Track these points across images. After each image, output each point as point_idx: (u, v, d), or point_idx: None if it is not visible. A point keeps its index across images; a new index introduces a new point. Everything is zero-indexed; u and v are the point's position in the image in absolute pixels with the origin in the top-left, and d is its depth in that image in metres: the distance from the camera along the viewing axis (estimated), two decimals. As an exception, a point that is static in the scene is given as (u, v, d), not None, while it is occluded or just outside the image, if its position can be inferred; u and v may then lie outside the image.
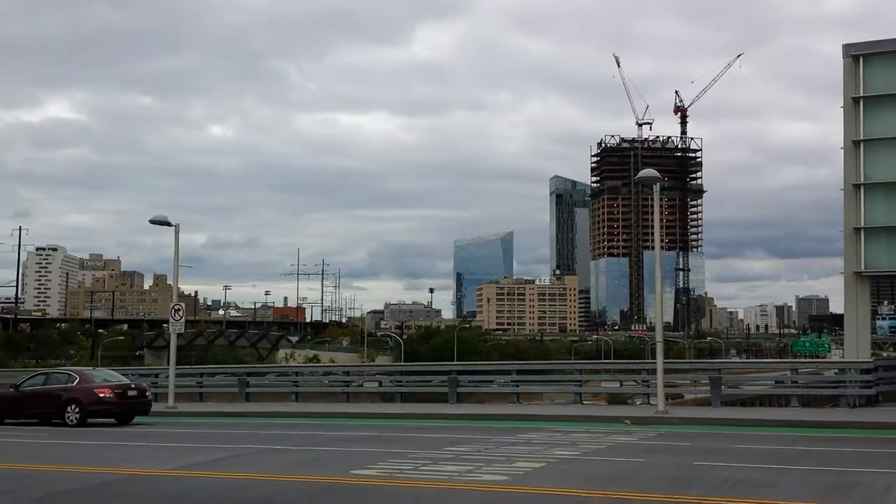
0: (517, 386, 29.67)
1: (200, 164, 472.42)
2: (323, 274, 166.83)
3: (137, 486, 14.11)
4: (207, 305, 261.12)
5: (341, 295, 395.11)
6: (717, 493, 12.33)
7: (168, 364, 33.32)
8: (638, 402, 29.80)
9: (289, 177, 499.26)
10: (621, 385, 30.23)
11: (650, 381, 27.42)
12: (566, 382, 29.71)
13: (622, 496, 12.19)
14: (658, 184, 25.19)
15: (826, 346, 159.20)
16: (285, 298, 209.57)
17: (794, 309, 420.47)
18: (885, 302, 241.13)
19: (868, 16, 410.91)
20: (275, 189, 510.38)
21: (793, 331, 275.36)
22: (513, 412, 26.86)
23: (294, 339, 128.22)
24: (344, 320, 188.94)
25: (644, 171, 24.97)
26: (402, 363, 47.68)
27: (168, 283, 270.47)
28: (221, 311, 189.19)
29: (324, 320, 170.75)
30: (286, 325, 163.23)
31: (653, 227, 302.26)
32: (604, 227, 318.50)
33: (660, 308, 26.22)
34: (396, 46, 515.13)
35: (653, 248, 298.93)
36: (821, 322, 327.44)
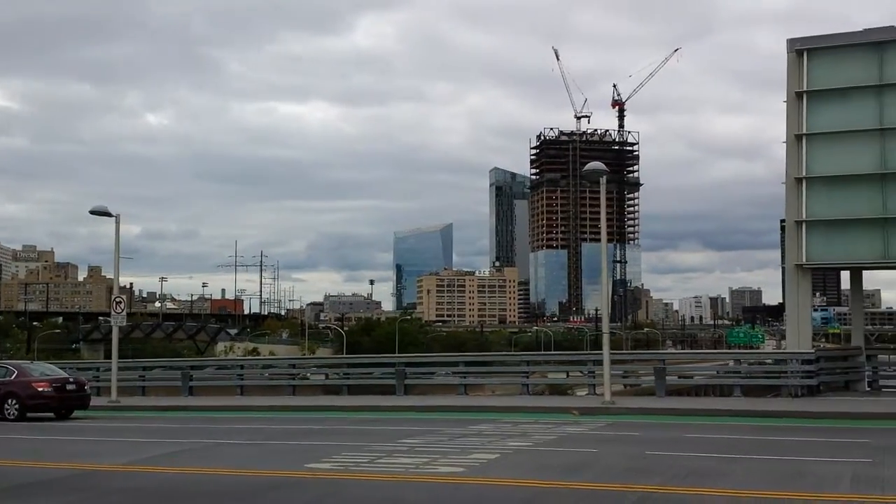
0: (465, 377, 29.72)
1: (136, 154, 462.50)
2: (262, 265, 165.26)
3: (89, 481, 13.74)
4: (143, 298, 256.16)
5: (280, 287, 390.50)
6: (673, 483, 12.48)
7: (107, 357, 32.52)
8: (581, 393, 30.12)
9: (226, 166, 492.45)
10: (567, 376, 30.51)
11: (596, 371, 27.67)
12: (514, 374, 29.87)
13: (580, 486, 12.27)
14: (604, 177, 25.41)
15: (759, 336, 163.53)
16: (223, 290, 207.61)
17: (727, 300, 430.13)
18: (817, 294, 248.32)
19: (803, 11, 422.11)
20: (212, 179, 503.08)
21: (727, 322, 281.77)
22: (462, 403, 26.88)
23: (233, 331, 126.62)
24: (283, 312, 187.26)
25: (591, 164, 25.19)
26: (349, 355, 47.43)
27: (103, 274, 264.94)
28: (157, 304, 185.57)
29: (262, 312, 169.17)
30: (224, 317, 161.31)
31: (597, 219, 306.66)
32: (543, 219, 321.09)
33: (606, 299, 26.47)
34: (338, 36, 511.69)
35: (591, 240, 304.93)
36: (754, 313, 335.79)
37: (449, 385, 32.24)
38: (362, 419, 24.31)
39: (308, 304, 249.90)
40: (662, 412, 23.54)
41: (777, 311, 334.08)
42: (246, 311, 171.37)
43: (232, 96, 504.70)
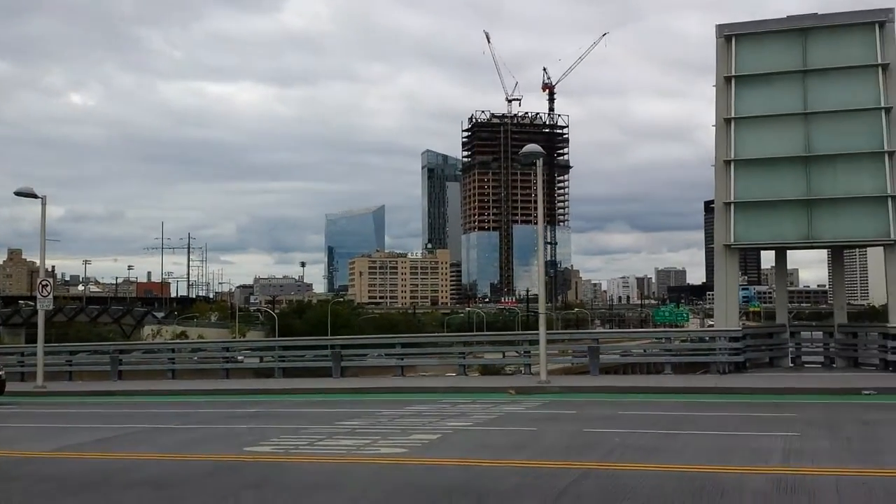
0: (402, 359, 29.72)
1: (59, 134, 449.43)
2: (189, 247, 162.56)
3: (20, 468, 13.34)
4: (66, 281, 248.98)
5: (208, 269, 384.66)
6: (611, 459, 12.72)
7: (29, 342, 31.61)
8: (512, 372, 30.46)
9: (154, 148, 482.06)
10: (504, 356, 30.76)
11: (532, 351, 27.99)
12: (451, 355, 29.99)
13: (523, 465, 12.41)
14: (540, 159, 25.60)
15: (684, 315, 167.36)
16: (149, 273, 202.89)
17: (653, 280, 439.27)
18: (739, 274, 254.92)
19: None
20: (139, 160, 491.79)
21: (653, 301, 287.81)
22: (399, 385, 26.89)
23: (160, 314, 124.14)
24: (212, 295, 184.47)
25: (528, 146, 25.33)
26: (284, 338, 46.94)
27: (24, 257, 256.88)
28: (81, 287, 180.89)
29: (190, 295, 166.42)
30: (150, 300, 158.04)
31: (528, 201, 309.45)
32: (475, 202, 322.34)
33: (541, 281, 26.72)
34: (268, 15, 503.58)
35: (522, 222, 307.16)
36: (679, 293, 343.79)
37: (384, 367, 32.24)
38: (298, 402, 24.14)
39: (238, 287, 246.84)
40: (597, 390, 23.93)
41: (700, 291, 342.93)
42: (173, 295, 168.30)
43: (159, 76, 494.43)
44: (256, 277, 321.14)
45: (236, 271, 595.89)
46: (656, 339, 35.53)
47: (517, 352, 29.44)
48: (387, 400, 23.34)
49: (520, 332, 61.79)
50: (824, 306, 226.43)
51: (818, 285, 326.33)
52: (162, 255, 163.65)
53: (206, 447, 15.34)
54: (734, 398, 21.70)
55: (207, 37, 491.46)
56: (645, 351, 34.42)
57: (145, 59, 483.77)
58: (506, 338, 36.53)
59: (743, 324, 29.38)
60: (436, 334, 58.94)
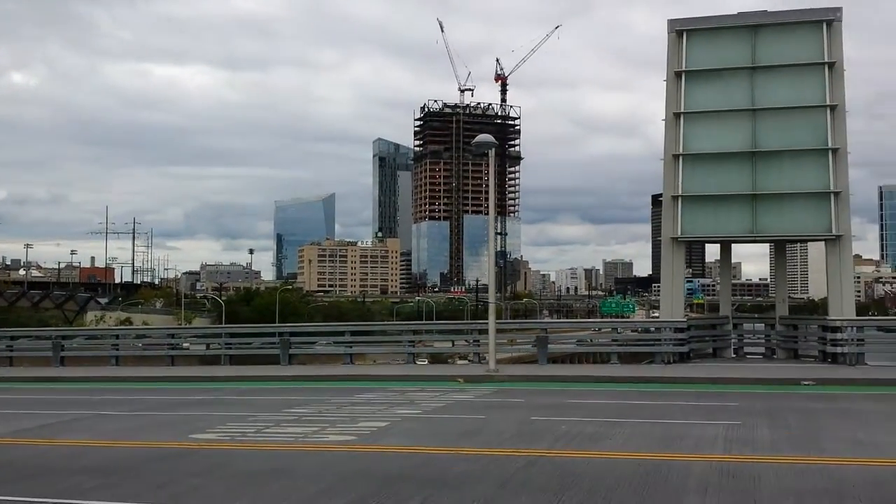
0: (351, 347, 29.62)
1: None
2: (134, 233, 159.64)
3: (-44, 457, 13.02)
4: (6, 265, 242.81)
5: (154, 255, 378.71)
6: (559, 446, 12.87)
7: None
8: (462, 362, 30.58)
9: (99, 130, 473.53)
10: (453, 345, 30.84)
11: (481, 340, 28.11)
12: (400, 343, 29.96)
13: (472, 452, 12.48)
14: (493, 149, 25.67)
15: (630, 306, 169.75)
16: (93, 258, 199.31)
17: (601, 272, 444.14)
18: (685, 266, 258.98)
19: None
20: (84, 143, 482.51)
21: (600, 292, 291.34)
22: (347, 373, 26.81)
23: (103, 300, 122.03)
24: (157, 281, 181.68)
25: (481, 136, 25.37)
26: (231, 325, 46.41)
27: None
28: (22, 271, 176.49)
29: (135, 281, 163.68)
30: (94, 286, 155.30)
31: (479, 191, 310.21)
32: (426, 191, 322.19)
33: (492, 271, 26.82)
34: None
35: (473, 212, 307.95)
36: (625, 284, 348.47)
37: (332, 355, 32.10)
38: (246, 389, 23.92)
39: (183, 274, 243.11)
40: (545, 379, 24.13)
41: (647, 283, 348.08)
42: (118, 281, 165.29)
43: (106, 57, 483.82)
44: (203, 264, 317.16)
45: (183, 258, 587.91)
46: (605, 329, 35.92)
47: (466, 341, 29.53)
48: (335, 388, 23.26)
49: (469, 321, 62.03)
50: (761, 299, 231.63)
51: (760, 279, 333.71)
52: (106, 239, 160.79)
53: (152, 434, 15.14)
54: (679, 387, 22.04)
55: (157, 18, 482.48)
56: (591, 341, 34.83)
57: (91, 38, 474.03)
58: (455, 327, 36.60)
59: (687, 315, 29.82)
60: (385, 322, 58.82)
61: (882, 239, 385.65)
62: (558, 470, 11.17)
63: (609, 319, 78.19)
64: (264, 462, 12.23)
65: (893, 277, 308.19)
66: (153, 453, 13.04)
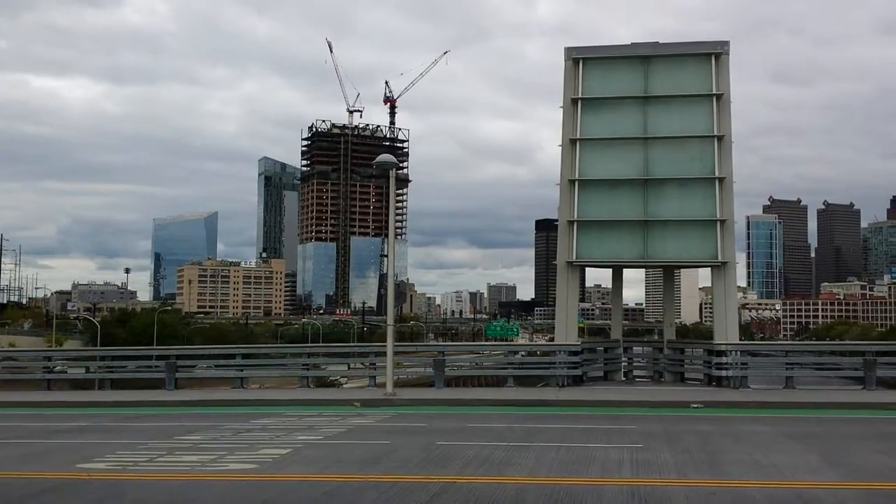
0: (242, 370, 28.66)
1: None
2: (1, 249, 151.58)
3: None
4: None
5: (24, 273, 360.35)
6: (469, 472, 12.67)
7: None
8: (348, 385, 30.01)
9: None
10: (349, 367, 30.26)
11: (378, 363, 27.70)
12: (294, 366, 29.18)
13: (382, 479, 12.13)
14: (394, 169, 25.46)
15: (514, 330, 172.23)
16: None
17: (486, 295, 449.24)
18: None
19: (571, 26, 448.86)
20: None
21: (484, 316, 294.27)
22: (239, 397, 25.89)
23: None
24: (25, 301, 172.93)
25: (382, 155, 25.07)
26: (114, 347, 44.24)
27: None
28: None
29: (1, 301, 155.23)
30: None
31: (366, 213, 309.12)
32: (312, 212, 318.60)
33: (392, 293, 26.56)
34: (104, 9, 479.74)
35: (360, 233, 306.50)
36: (509, 308, 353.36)
37: (219, 379, 31.00)
38: (132, 415, 22.77)
39: (54, 293, 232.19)
40: (444, 403, 23.93)
41: (530, 307, 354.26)
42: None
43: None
44: (75, 283, 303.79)
45: (55, 276, 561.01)
46: (496, 353, 36.00)
47: (363, 364, 29.01)
48: (228, 413, 22.40)
49: (368, 344, 61.35)
50: (636, 323, 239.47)
51: (636, 303, 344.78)
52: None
53: (36, 464, 14.16)
54: (574, 410, 22.21)
55: (36, 27, 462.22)
56: (480, 364, 34.88)
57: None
58: (352, 349, 36.00)
59: (581, 339, 30.23)
60: (281, 345, 57.32)
61: (749, 267, 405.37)
62: (473, 497, 10.96)
63: (506, 343, 78.96)
64: (161, 493, 11.56)
65: (758, 304, 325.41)
66: (35, 485, 12.14)
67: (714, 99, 28.13)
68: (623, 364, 31.49)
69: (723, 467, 13.17)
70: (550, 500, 10.80)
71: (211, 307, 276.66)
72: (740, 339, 31.98)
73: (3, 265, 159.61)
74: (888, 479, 12.26)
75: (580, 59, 28.84)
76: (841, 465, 13.26)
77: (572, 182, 28.57)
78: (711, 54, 28.35)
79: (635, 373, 31.89)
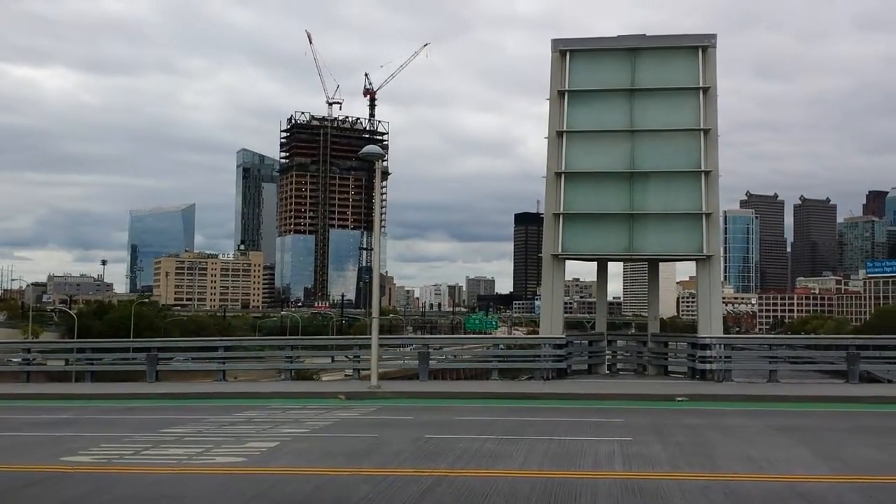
0: (224, 363, 28.37)
1: None
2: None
3: None
4: None
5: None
6: (460, 465, 12.55)
7: None
8: (327, 378, 29.73)
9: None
10: (333, 360, 30.02)
11: (362, 356, 27.51)
12: (277, 359, 28.92)
13: (373, 473, 11.99)
14: (380, 160, 25.28)
15: (493, 323, 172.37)
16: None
17: (464, 289, 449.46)
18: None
19: (553, 20, 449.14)
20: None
21: (463, 309, 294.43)
22: (222, 390, 25.65)
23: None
24: (0, 293, 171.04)
25: (368, 146, 24.85)
26: (95, 339, 43.71)
27: None
28: None
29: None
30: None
31: (345, 205, 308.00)
32: (291, 204, 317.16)
33: (377, 285, 26.34)
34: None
35: (339, 226, 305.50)
36: (488, 301, 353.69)
37: (201, 371, 30.70)
38: (112, 408, 22.47)
39: (30, 285, 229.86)
40: (429, 395, 23.78)
41: (508, 300, 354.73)
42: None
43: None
44: (51, 275, 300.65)
45: (31, 268, 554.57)
46: (486, 345, 35.88)
47: (346, 356, 28.81)
48: (211, 406, 22.17)
49: (351, 336, 61.05)
50: (613, 317, 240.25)
51: (614, 297, 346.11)
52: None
53: (19, 457, 13.90)
54: (560, 403, 22.17)
55: (14, 15, 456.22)
56: (454, 355, 34.75)
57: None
58: (336, 342, 35.75)
59: (566, 332, 30.22)
60: (264, 338, 56.88)
61: (726, 261, 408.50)
62: (466, 491, 10.85)
63: (491, 335, 78.95)
64: (149, 487, 11.36)
65: (735, 298, 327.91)
66: (19, 478, 11.91)
67: (701, 92, 28.08)
68: (607, 357, 31.50)
69: (715, 461, 13.12)
70: (545, 493, 10.70)
71: (188, 299, 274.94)
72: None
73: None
74: (881, 472, 12.26)
75: (567, 51, 28.71)
76: (832, 458, 13.26)
77: (558, 175, 28.46)
78: (698, 47, 28.30)
79: (619, 366, 31.91)
